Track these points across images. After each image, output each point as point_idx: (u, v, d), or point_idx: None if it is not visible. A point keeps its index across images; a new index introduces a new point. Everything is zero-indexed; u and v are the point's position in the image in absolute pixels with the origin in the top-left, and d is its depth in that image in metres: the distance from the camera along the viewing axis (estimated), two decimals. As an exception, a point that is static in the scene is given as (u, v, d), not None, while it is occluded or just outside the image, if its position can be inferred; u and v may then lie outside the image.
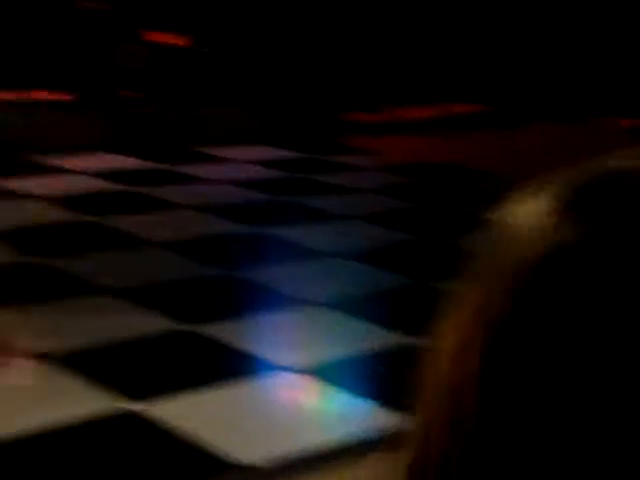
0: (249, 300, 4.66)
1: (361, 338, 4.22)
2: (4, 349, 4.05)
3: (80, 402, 3.53)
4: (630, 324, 0.52)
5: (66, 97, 7.60)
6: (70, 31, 7.53)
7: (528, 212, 0.57)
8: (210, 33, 8.25)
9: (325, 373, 3.85)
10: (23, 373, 3.89)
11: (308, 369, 3.89)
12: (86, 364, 3.83)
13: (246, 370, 3.89)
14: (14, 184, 6.38)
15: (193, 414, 3.51)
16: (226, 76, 8.23)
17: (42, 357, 3.87)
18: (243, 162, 7.46)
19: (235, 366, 3.93)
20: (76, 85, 7.57)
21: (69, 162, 7.00)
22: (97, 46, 7.63)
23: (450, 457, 0.55)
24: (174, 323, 4.28)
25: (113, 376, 3.76)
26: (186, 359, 4.01)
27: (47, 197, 6.14)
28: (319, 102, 8.35)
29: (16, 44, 7.35)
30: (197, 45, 8.16)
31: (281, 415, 3.62)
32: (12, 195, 6.18)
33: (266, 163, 7.47)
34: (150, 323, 4.28)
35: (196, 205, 6.18)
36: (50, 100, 7.54)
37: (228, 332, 4.20)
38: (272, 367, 3.92)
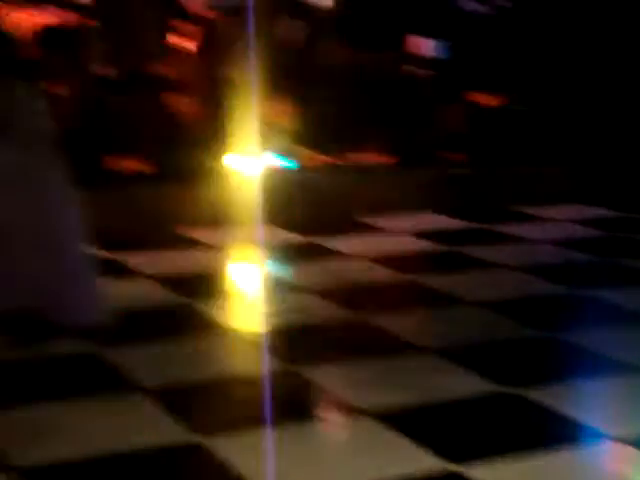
0: (570, 364, 4.56)
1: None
2: (327, 404, 4.19)
3: (397, 460, 3.58)
4: None
5: (390, 160, 7.82)
6: (396, 95, 7.76)
7: None
8: (525, 91, 8.24)
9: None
10: (344, 428, 4.01)
11: (631, 439, 3.75)
12: (405, 422, 3.88)
13: (567, 436, 3.79)
14: (337, 244, 6.64)
15: (512, 479, 3.47)
16: (542, 134, 8.19)
17: (362, 412, 3.97)
18: (561, 221, 7.36)
19: (556, 432, 3.85)
20: (399, 148, 7.78)
21: (391, 222, 7.19)
22: (420, 109, 7.82)
23: None
24: (494, 385, 4.26)
25: (432, 435, 3.79)
26: (505, 422, 3.97)
27: (370, 256, 6.33)
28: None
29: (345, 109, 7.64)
30: (513, 104, 8.17)
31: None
32: (338, 254, 6.43)
33: (584, 222, 7.33)
34: (469, 384, 4.28)
35: (514, 265, 6.15)
36: (374, 163, 7.78)
37: (550, 396, 4.12)
38: (595, 435, 3.81)
